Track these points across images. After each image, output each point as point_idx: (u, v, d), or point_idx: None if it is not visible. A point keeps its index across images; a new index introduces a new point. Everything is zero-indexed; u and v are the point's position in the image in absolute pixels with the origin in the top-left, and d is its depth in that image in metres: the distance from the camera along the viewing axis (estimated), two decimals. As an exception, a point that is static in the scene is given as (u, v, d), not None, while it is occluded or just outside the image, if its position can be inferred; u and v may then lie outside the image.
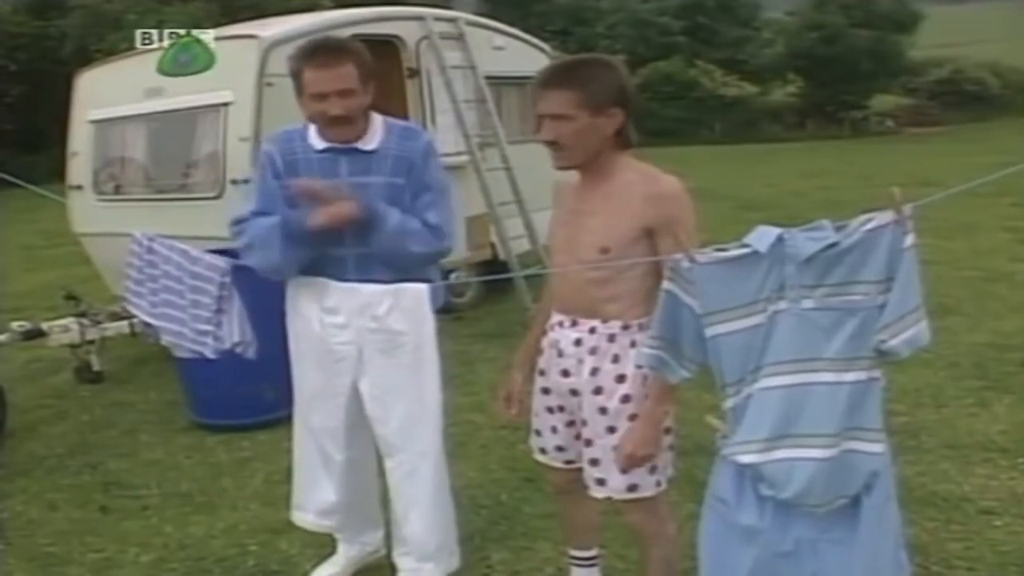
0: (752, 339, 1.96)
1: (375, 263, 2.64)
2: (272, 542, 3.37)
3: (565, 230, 2.39)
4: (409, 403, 2.72)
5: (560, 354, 2.39)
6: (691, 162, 17.72)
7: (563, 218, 2.41)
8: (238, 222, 2.73)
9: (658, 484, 2.35)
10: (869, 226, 1.85)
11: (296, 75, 2.59)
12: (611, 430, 2.30)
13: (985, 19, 64.23)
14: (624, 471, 2.30)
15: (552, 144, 2.25)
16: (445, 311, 2.85)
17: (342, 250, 2.65)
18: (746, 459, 1.97)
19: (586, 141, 2.23)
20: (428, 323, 2.68)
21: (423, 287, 2.66)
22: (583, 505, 2.61)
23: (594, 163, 2.29)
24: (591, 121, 2.20)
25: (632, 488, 2.33)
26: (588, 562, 2.73)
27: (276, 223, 2.62)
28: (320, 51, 2.57)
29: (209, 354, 2.95)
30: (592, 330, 2.32)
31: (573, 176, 2.36)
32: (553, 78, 2.24)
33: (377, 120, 2.70)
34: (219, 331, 2.90)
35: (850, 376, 1.90)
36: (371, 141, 2.65)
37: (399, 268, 2.67)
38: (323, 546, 3.15)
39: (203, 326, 2.90)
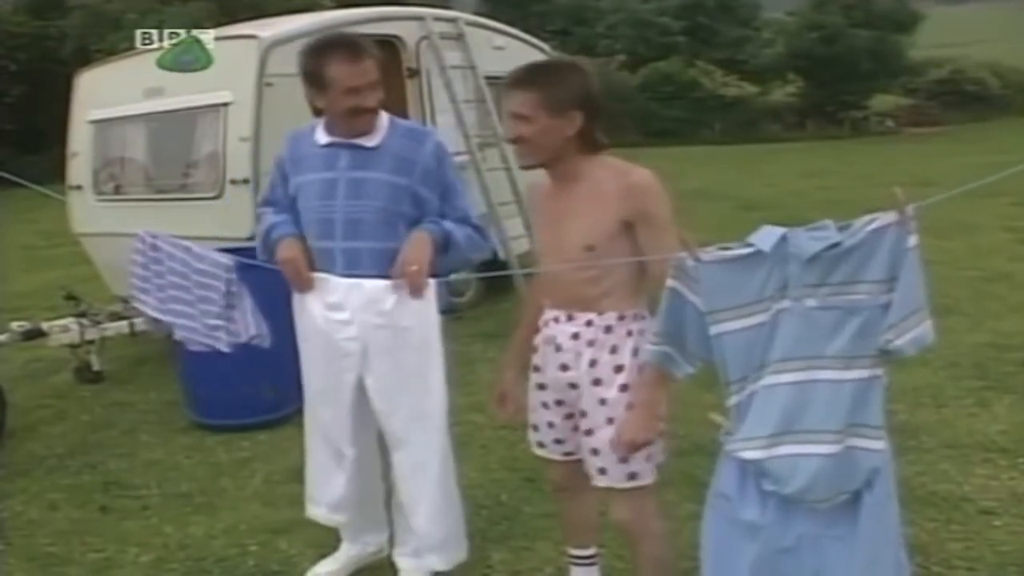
0: (756, 337, 1.97)
1: (361, 257, 2.66)
2: (272, 542, 3.37)
3: (548, 233, 2.42)
4: (415, 396, 2.73)
5: (558, 349, 2.40)
6: (691, 162, 17.74)
7: (544, 221, 2.45)
8: (261, 204, 2.95)
9: (655, 469, 2.39)
10: (872, 226, 1.86)
11: (316, 72, 2.59)
12: (611, 421, 2.32)
13: (985, 19, 64.27)
14: (624, 459, 2.32)
15: (514, 142, 2.32)
16: (445, 311, 2.85)
17: (331, 243, 2.67)
18: (749, 455, 1.98)
19: (545, 141, 2.28)
20: (434, 317, 2.70)
21: (430, 282, 2.66)
22: (582, 503, 2.63)
23: (560, 164, 2.33)
24: (550, 122, 2.25)
25: (632, 476, 2.35)
26: (587, 561, 2.74)
27: (266, 228, 2.79)
28: (345, 46, 2.60)
29: (222, 347, 2.96)
30: (589, 323, 2.35)
31: (543, 178, 2.40)
32: (519, 79, 2.31)
33: (383, 118, 2.72)
34: (231, 325, 2.91)
35: (853, 374, 1.91)
36: (374, 138, 2.67)
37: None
38: (323, 546, 3.15)
39: (214, 321, 2.91)
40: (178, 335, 3.06)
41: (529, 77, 2.30)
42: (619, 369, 2.32)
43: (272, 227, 2.77)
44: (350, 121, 2.64)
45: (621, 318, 2.32)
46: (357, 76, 2.57)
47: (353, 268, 2.67)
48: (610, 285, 2.31)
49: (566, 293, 2.37)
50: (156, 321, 3.18)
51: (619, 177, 2.28)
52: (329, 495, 2.95)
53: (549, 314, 2.45)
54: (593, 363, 2.34)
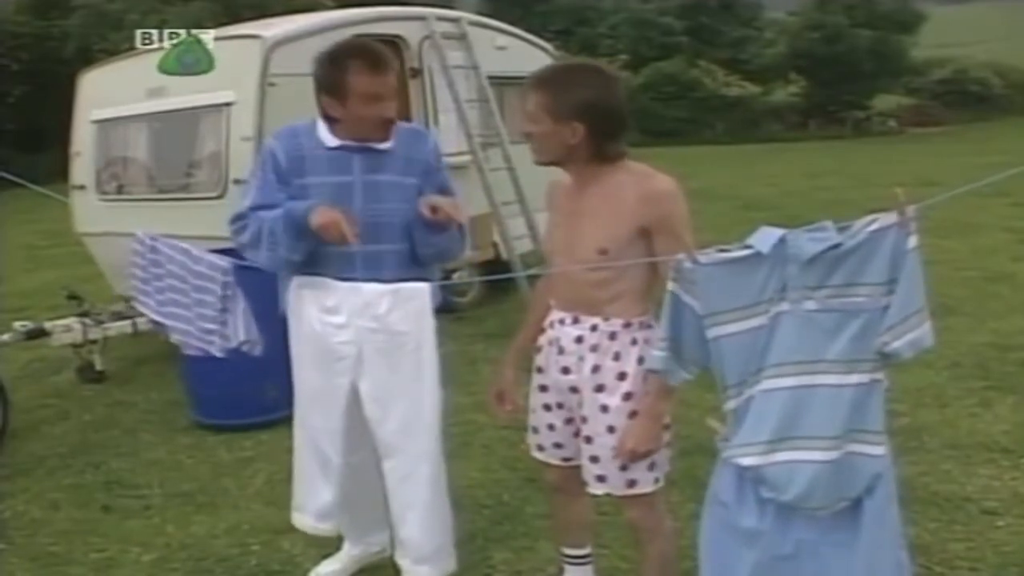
0: (754, 340, 1.96)
1: (383, 259, 2.63)
2: (274, 542, 3.37)
3: (562, 232, 2.40)
4: (408, 405, 2.71)
5: (561, 351, 2.39)
6: (693, 162, 17.71)
7: (559, 220, 2.43)
8: (237, 218, 2.70)
9: (656, 481, 2.37)
10: (872, 227, 1.85)
11: (335, 80, 2.54)
12: (611, 429, 2.31)
13: (987, 19, 64.20)
14: (624, 467, 2.31)
15: (528, 137, 2.34)
16: (447, 311, 2.85)
17: (350, 247, 2.61)
18: (747, 461, 1.97)
19: (550, 144, 2.28)
20: (429, 323, 2.68)
21: (424, 286, 2.65)
22: (577, 503, 2.63)
23: (573, 165, 2.32)
24: (553, 127, 2.25)
25: (631, 484, 2.34)
26: (582, 560, 2.74)
27: (279, 215, 2.57)
28: (366, 54, 2.57)
29: (216, 352, 2.95)
30: (594, 327, 2.33)
31: (565, 177, 2.39)
32: (534, 77, 2.33)
33: None
34: (225, 330, 2.90)
35: (853, 378, 1.90)
36: (385, 140, 2.66)
37: (422, 266, 2.71)
38: (325, 546, 3.15)
39: (209, 325, 2.91)
40: (173, 338, 3.07)
41: (542, 79, 2.30)
42: (622, 376, 2.30)
43: (289, 209, 2.56)
44: (374, 133, 2.61)
45: (627, 325, 2.31)
46: (379, 84, 2.55)
47: (374, 271, 2.63)
48: (619, 290, 2.30)
49: (574, 295, 2.36)
50: (157, 323, 3.18)
51: (641, 182, 2.26)
52: (315, 504, 2.91)
53: (555, 315, 2.44)
54: (596, 369, 2.33)
